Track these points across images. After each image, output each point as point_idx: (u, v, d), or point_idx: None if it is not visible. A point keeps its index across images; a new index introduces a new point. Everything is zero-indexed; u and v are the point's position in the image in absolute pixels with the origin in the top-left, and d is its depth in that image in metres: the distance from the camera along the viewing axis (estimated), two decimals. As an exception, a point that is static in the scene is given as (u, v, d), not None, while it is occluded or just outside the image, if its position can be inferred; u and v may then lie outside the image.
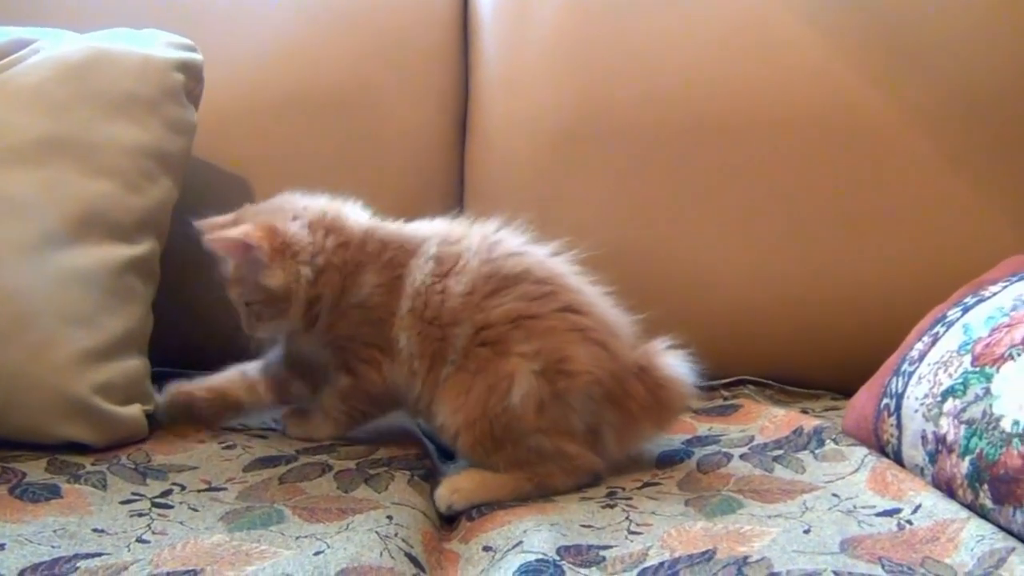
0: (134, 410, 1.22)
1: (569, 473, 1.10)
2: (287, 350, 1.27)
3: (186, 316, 1.46)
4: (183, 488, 1.08)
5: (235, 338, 1.24)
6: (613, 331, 1.14)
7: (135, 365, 1.25)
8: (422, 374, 1.14)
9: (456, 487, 1.09)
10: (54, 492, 1.04)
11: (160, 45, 1.39)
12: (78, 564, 0.88)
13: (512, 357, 1.08)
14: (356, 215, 1.24)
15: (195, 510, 1.01)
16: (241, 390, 1.27)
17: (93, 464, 1.13)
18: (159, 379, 1.33)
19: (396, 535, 0.93)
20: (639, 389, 1.13)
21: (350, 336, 1.19)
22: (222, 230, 1.17)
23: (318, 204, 1.23)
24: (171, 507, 1.02)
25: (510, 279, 1.13)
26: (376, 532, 0.93)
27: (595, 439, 1.12)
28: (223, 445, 1.22)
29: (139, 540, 0.93)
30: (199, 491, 1.07)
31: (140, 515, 1.00)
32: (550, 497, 1.08)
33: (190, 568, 0.86)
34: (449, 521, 1.07)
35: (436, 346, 1.13)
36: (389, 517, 0.97)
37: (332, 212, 1.22)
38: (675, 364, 1.15)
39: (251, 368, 1.28)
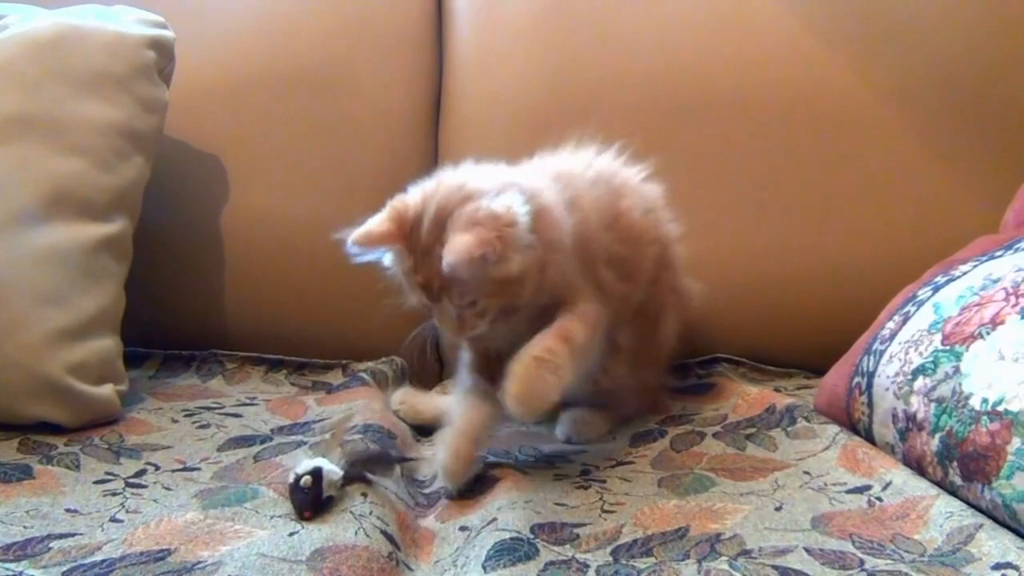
0: (107, 390, 1.21)
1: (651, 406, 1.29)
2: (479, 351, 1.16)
3: (158, 295, 1.45)
4: (157, 468, 1.07)
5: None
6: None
7: (108, 345, 1.24)
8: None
9: (578, 427, 1.22)
10: (26, 472, 1.04)
11: (131, 22, 1.37)
12: (51, 544, 0.87)
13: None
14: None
15: (169, 489, 1.01)
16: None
17: (66, 444, 1.12)
18: (133, 360, 1.33)
19: (371, 513, 0.93)
20: None
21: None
22: (449, 246, 0.99)
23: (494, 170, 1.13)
24: (145, 486, 1.02)
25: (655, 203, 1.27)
26: (351, 512, 0.93)
27: None
28: (197, 424, 1.22)
29: (112, 520, 0.93)
30: (173, 471, 1.07)
31: (113, 494, 1.00)
32: (526, 471, 1.09)
33: (163, 547, 0.86)
34: (427, 499, 1.07)
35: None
36: (363, 495, 0.97)
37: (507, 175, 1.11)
38: None
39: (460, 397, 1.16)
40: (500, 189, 1.05)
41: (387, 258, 1.08)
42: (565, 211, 1.10)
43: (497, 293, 1.03)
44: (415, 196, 1.07)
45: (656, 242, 1.24)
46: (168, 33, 1.40)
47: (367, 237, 1.05)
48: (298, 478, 0.94)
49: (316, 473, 0.94)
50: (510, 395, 1.00)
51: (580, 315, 1.08)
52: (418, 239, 1.04)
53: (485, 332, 1.07)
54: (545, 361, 1.02)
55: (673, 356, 1.34)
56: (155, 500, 0.98)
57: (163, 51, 1.38)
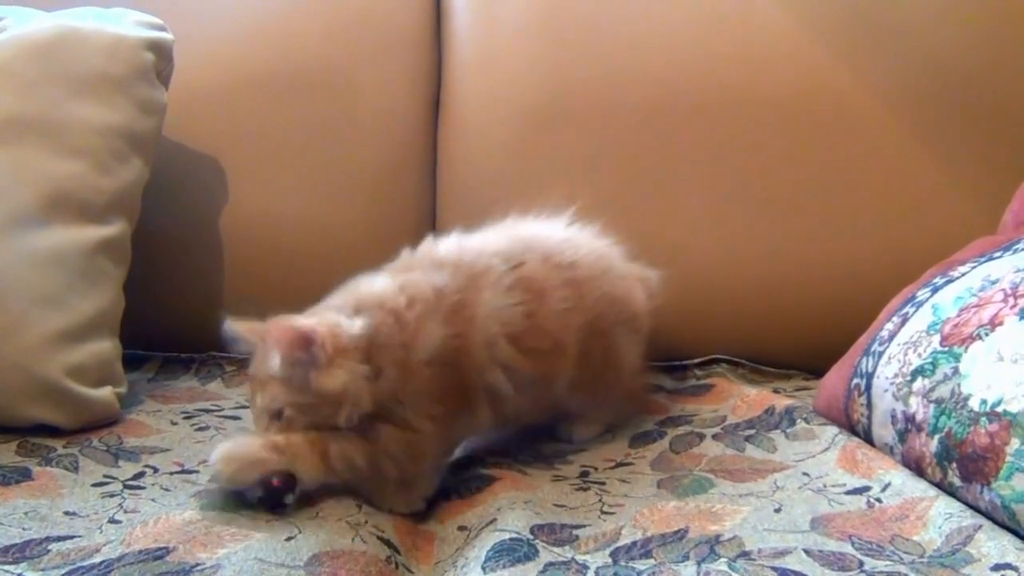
0: (105, 392, 1.21)
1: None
2: None
3: (157, 298, 1.45)
4: (156, 471, 1.07)
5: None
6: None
7: (106, 347, 1.24)
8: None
9: (578, 425, 1.23)
10: (25, 475, 1.04)
11: (129, 24, 1.37)
12: (49, 547, 0.87)
13: (615, 328, 1.23)
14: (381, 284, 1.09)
15: (167, 490, 1.01)
16: None
17: (64, 447, 1.12)
18: (132, 362, 1.33)
19: (367, 522, 0.93)
20: None
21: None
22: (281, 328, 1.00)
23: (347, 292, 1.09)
24: (143, 488, 1.02)
25: (588, 274, 1.20)
26: (346, 521, 0.92)
27: None
28: (196, 427, 1.22)
29: (111, 521, 0.93)
30: (171, 473, 1.07)
31: (111, 496, 1.00)
32: (526, 472, 1.09)
33: (162, 545, 0.86)
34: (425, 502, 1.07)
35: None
36: (359, 506, 0.97)
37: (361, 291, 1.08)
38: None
39: None
40: (349, 307, 1.04)
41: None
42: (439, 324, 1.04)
43: (310, 408, 1.00)
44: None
45: (589, 312, 1.17)
46: (167, 35, 1.40)
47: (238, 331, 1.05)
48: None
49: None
50: (222, 454, 0.96)
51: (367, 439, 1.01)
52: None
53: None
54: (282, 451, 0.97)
55: (644, 366, 1.32)
56: (153, 500, 0.98)
57: (162, 53, 1.38)
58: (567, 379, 1.16)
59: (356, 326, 1.01)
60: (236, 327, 1.04)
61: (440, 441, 1.06)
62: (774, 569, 0.83)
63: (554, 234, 1.22)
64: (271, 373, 1.00)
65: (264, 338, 1.02)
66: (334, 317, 1.02)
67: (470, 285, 1.08)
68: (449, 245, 1.15)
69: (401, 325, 1.03)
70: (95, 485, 1.03)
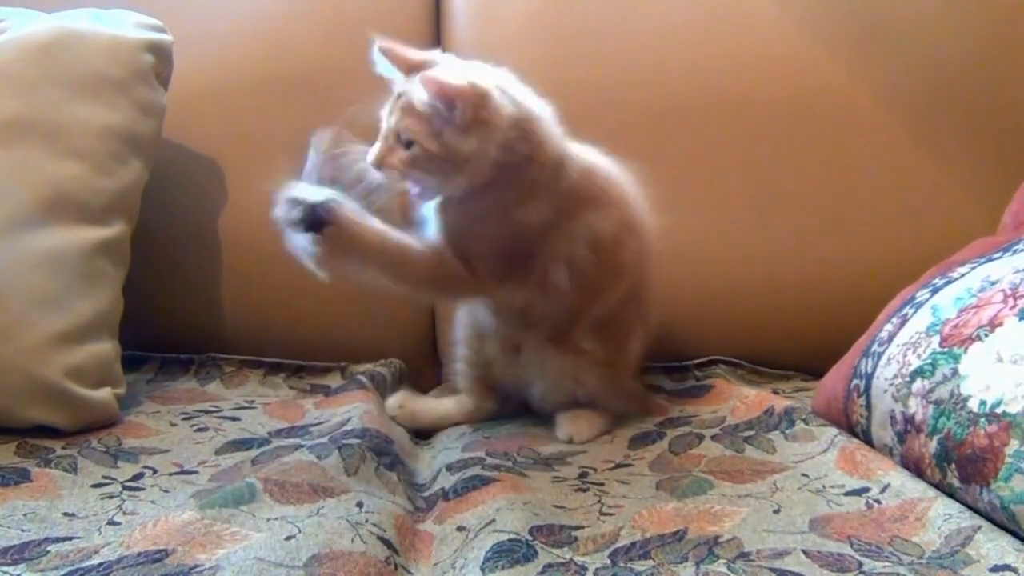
0: (105, 393, 1.21)
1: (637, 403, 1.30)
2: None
3: (156, 299, 1.45)
4: (155, 472, 1.07)
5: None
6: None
7: (105, 348, 1.24)
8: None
9: (578, 425, 1.23)
10: (24, 476, 1.04)
11: (129, 26, 1.37)
12: (48, 548, 0.87)
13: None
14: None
15: (166, 491, 1.01)
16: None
17: (63, 448, 1.12)
18: (131, 363, 1.33)
19: (367, 521, 0.93)
20: None
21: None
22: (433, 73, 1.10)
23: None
24: (142, 489, 1.02)
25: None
26: (347, 520, 0.92)
27: None
28: (195, 428, 1.22)
29: (110, 523, 0.93)
30: (171, 474, 1.07)
31: (111, 497, 1.00)
32: (525, 474, 1.09)
33: (161, 548, 0.86)
34: (426, 502, 1.07)
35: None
36: (359, 504, 0.97)
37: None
38: None
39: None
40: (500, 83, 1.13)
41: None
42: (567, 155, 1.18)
43: (438, 155, 1.10)
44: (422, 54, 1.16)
45: (631, 272, 1.26)
46: (166, 37, 1.40)
47: (393, 52, 1.15)
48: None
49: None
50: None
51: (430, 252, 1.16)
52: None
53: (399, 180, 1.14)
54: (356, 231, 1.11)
55: (639, 364, 1.35)
56: (152, 501, 0.98)
57: (161, 55, 1.38)
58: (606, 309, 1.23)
59: (509, 111, 1.11)
60: (390, 49, 1.15)
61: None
62: (773, 570, 0.83)
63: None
64: (416, 105, 1.10)
65: (417, 72, 1.11)
66: (500, 83, 1.13)
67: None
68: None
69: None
70: (94, 486, 1.03)
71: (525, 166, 1.13)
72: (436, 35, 1.67)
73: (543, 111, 1.17)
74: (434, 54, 1.17)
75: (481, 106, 1.09)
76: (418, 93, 1.09)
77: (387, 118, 1.13)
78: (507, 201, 1.14)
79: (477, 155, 1.10)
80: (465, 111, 1.08)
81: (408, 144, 1.11)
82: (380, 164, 1.13)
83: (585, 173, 1.19)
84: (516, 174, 1.13)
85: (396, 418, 1.30)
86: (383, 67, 1.16)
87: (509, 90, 1.14)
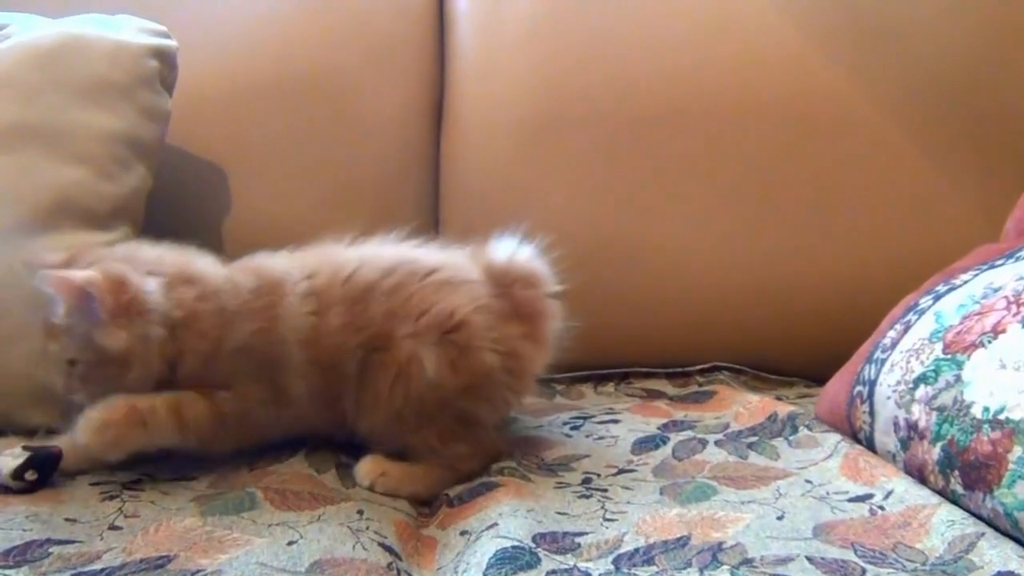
0: (107, 398, 1.21)
1: (478, 454, 1.12)
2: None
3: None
4: (152, 478, 1.07)
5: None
6: (461, 269, 1.15)
7: (109, 353, 1.24)
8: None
9: (384, 469, 1.08)
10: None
11: (133, 31, 1.37)
12: (51, 549, 0.87)
13: (405, 342, 1.08)
14: (211, 266, 1.12)
15: (166, 493, 1.01)
16: None
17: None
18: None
19: (368, 528, 0.93)
20: (522, 296, 1.15)
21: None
22: (60, 269, 1.02)
23: (172, 256, 1.10)
24: (142, 491, 1.02)
25: (367, 288, 1.11)
26: (348, 527, 0.92)
27: (518, 366, 1.13)
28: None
29: (112, 527, 0.93)
30: (168, 480, 1.06)
31: (111, 497, 1.00)
32: (529, 478, 1.09)
33: (163, 554, 0.86)
34: (427, 506, 1.07)
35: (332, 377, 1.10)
36: (360, 512, 0.97)
37: (188, 264, 1.09)
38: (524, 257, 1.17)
39: None
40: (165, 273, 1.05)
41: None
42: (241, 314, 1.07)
43: (95, 362, 1.02)
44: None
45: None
46: (171, 42, 1.40)
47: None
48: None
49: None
50: (93, 421, 1.01)
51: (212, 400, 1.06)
52: None
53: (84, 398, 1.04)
54: (142, 416, 1.02)
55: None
56: (152, 502, 0.98)
57: (165, 60, 1.39)
58: (351, 398, 1.11)
59: (151, 286, 1.02)
60: (43, 271, 1.01)
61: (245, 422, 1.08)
62: (776, 576, 0.83)
63: (346, 251, 1.17)
64: (58, 322, 1.02)
65: (51, 285, 1.01)
66: (126, 271, 1.02)
67: (275, 290, 1.10)
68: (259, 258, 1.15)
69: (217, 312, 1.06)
70: (92, 484, 1.03)
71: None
72: (439, 42, 1.67)
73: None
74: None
75: (121, 292, 1.01)
76: (57, 304, 1.01)
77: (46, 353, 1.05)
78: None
79: (141, 343, 1.02)
80: (104, 304, 0.99)
81: (72, 363, 1.03)
82: (69, 395, 1.05)
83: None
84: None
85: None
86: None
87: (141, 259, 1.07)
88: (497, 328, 1.11)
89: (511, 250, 1.17)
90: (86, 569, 0.84)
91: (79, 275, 1.00)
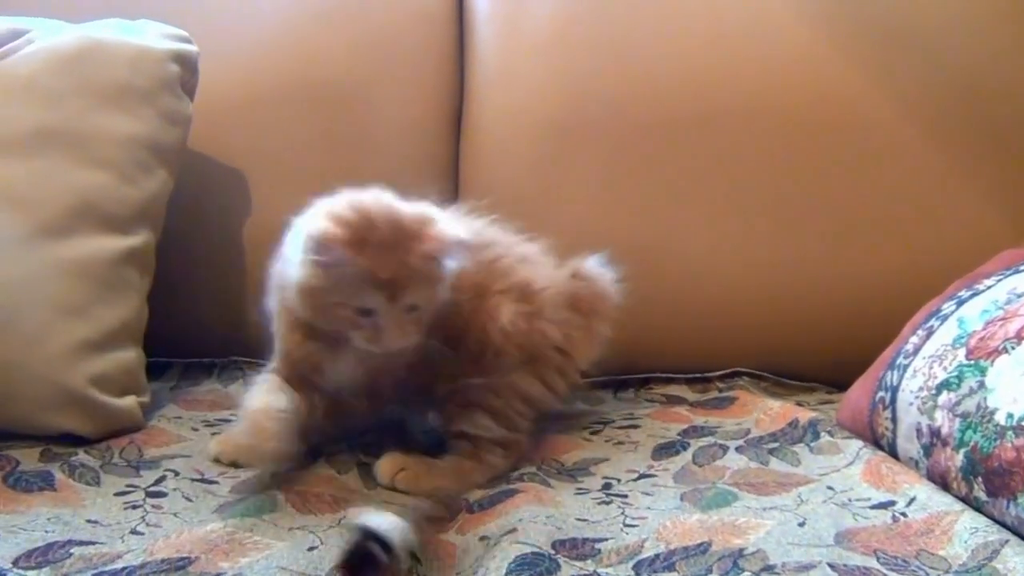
0: (129, 401, 1.22)
1: (509, 454, 1.15)
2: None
3: (181, 307, 1.46)
4: (176, 474, 1.08)
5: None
6: (541, 256, 1.24)
7: (130, 356, 1.25)
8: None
9: (404, 465, 1.11)
10: (48, 482, 1.04)
11: (155, 36, 1.38)
12: (72, 551, 0.88)
13: (494, 296, 1.15)
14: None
15: (189, 500, 1.01)
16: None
17: (86, 453, 1.12)
18: (154, 370, 1.33)
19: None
20: (586, 293, 1.24)
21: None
22: (439, 230, 1.05)
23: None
24: (164, 495, 1.03)
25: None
26: None
27: (570, 350, 1.21)
28: (216, 435, 1.22)
29: (133, 532, 0.93)
30: (192, 480, 1.07)
31: (134, 507, 1.00)
32: (549, 484, 1.09)
33: (184, 556, 0.86)
34: (447, 508, 1.07)
35: None
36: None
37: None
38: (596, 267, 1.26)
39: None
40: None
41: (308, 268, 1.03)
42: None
43: (431, 297, 1.06)
44: (339, 207, 1.07)
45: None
46: (192, 47, 1.41)
47: (333, 238, 1.01)
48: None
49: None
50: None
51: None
52: (373, 239, 1.02)
53: (411, 344, 1.06)
54: None
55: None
56: (175, 514, 0.98)
57: (187, 65, 1.39)
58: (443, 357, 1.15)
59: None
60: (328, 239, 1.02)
61: None
62: (798, 583, 0.82)
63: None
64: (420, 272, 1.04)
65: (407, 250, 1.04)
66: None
67: None
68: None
69: None
70: (117, 494, 1.03)
71: None
72: (458, 49, 1.67)
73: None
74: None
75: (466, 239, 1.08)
76: (436, 251, 1.04)
77: (384, 291, 1.02)
78: None
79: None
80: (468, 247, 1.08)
81: (413, 308, 1.05)
82: (402, 341, 1.05)
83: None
84: None
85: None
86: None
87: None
88: (561, 310, 1.19)
89: (586, 257, 1.26)
90: (107, 568, 0.84)
91: (451, 231, 1.05)
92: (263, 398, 1.07)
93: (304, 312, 1.05)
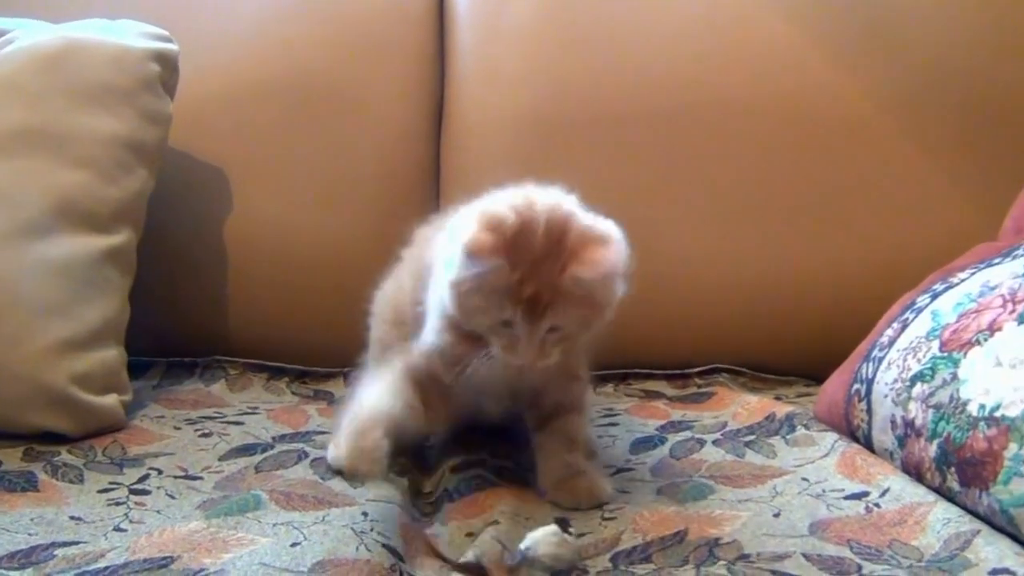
0: (111, 400, 1.22)
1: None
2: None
3: (162, 305, 1.46)
4: (160, 472, 1.08)
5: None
6: None
7: (112, 355, 1.25)
8: None
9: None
10: (31, 483, 1.04)
11: (135, 35, 1.38)
12: (55, 552, 0.88)
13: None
14: None
15: (172, 497, 1.02)
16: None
17: (69, 452, 1.13)
18: (136, 369, 1.34)
19: (372, 530, 0.93)
20: None
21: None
22: (590, 256, 0.95)
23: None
24: (148, 492, 1.03)
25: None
26: (352, 528, 0.92)
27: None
28: (199, 433, 1.22)
29: (116, 529, 0.94)
30: (175, 477, 1.07)
31: (117, 504, 1.00)
32: (528, 480, 1.09)
33: (167, 554, 0.87)
34: (433, 507, 1.07)
35: None
36: (364, 514, 0.97)
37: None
38: None
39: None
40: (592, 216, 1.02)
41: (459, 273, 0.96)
42: None
43: (582, 321, 0.99)
44: (503, 209, 0.98)
45: None
46: (172, 46, 1.41)
47: (481, 247, 0.94)
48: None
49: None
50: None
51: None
52: (526, 251, 0.95)
53: (549, 364, 1.00)
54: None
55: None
56: (158, 511, 0.99)
57: (167, 64, 1.39)
58: None
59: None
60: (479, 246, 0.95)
61: None
62: (773, 572, 0.83)
63: None
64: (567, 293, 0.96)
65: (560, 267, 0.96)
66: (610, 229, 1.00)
67: None
68: None
69: None
70: (101, 491, 1.04)
71: None
72: (439, 46, 1.68)
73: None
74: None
75: (622, 255, 0.98)
76: (589, 279, 0.95)
77: (527, 309, 0.96)
78: None
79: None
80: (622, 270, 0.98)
81: (556, 328, 0.98)
82: (540, 359, 0.99)
83: None
84: None
85: None
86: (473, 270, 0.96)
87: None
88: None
89: None
90: (90, 568, 0.84)
91: (602, 259, 0.95)
92: (380, 400, 1.08)
93: (452, 310, 1.00)
